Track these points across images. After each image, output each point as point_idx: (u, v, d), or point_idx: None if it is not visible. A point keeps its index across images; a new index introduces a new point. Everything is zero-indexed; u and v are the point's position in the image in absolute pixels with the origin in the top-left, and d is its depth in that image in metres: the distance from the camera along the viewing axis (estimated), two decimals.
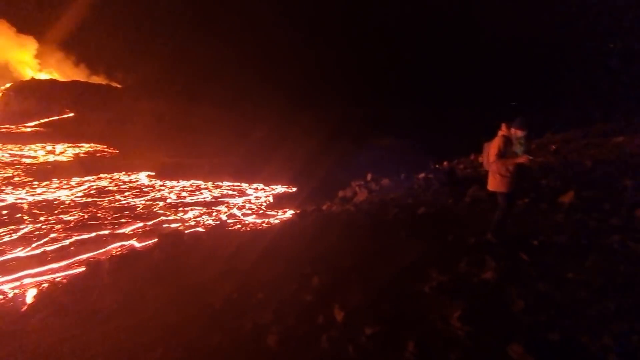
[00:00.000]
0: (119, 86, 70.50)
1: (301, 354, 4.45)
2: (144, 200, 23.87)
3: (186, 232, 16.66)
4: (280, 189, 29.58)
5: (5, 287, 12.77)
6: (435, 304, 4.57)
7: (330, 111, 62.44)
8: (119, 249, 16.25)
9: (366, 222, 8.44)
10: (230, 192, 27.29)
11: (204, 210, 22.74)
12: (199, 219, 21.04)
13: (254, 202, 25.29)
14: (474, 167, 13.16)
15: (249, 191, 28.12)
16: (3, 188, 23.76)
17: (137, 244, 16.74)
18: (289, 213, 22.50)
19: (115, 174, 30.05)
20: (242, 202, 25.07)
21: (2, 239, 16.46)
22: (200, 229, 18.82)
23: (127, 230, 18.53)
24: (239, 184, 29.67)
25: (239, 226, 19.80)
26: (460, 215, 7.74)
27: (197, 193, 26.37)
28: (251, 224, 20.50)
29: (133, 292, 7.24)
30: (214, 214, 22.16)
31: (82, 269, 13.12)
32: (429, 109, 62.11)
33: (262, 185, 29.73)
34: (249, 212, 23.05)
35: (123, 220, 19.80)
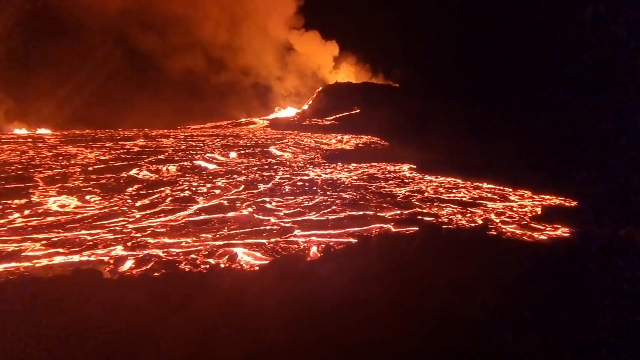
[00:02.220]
0: (396, 85, 79.17)
1: None
2: (404, 190, 25.91)
3: (443, 227, 16.81)
4: (554, 200, 24.85)
5: (300, 240, 17.04)
6: None
7: None
8: (378, 230, 18.40)
9: None
10: (489, 195, 25.35)
11: (459, 209, 22.19)
12: (452, 217, 20.75)
13: (516, 210, 22.43)
14: None
15: (512, 197, 25.16)
16: (308, 166, 31.99)
17: (393, 229, 18.42)
18: (562, 231, 18.55)
19: (383, 163, 34.44)
20: (502, 208, 22.76)
21: (303, 203, 22.01)
22: (451, 227, 18.56)
23: (386, 215, 20.66)
24: (501, 187, 27.09)
25: (494, 233, 18.12)
26: None
27: (453, 191, 26.04)
28: (510, 233, 18.33)
29: (396, 270, 8.02)
30: (469, 214, 21.23)
31: (352, 239, 15.72)
32: None
33: (529, 193, 25.92)
34: (509, 220, 20.64)
35: (385, 205, 22.24)
